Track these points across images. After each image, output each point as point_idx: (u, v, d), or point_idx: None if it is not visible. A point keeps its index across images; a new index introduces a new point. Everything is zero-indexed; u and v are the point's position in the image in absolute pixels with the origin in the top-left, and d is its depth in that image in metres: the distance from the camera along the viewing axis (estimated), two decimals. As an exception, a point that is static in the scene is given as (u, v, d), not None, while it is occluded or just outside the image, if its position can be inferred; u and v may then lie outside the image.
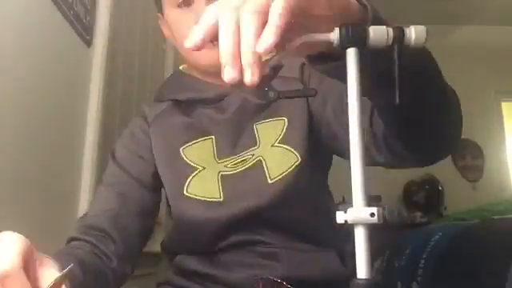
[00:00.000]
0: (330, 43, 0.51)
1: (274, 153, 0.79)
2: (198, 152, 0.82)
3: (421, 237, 2.02)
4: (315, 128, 0.81)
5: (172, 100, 0.90)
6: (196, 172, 0.80)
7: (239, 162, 0.80)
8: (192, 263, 0.82)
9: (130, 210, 0.81)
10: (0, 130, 0.92)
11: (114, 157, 0.87)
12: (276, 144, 0.80)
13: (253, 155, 0.80)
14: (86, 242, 0.76)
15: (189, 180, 0.80)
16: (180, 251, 0.85)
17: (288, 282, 0.73)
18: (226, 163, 0.81)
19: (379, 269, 2.26)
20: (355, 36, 0.60)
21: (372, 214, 0.53)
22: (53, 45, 1.14)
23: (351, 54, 0.60)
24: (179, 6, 0.83)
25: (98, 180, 1.36)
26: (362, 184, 0.56)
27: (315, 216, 0.81)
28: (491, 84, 4.08)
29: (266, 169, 0.78)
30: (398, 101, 0.60)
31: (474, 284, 1.48)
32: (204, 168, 0.81)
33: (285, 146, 0.79)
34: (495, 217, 2.02)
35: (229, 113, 0.85)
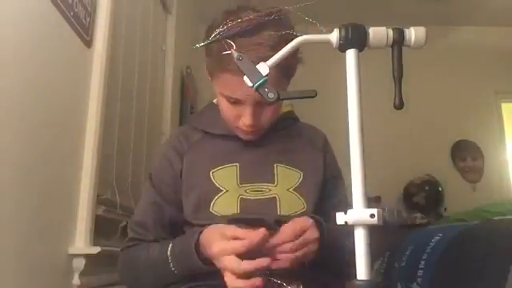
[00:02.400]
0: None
1: (288, 196, 0.97)
2: (224, 176, 0.97)
3: (421, 238, 2.02)
4: (322, 186, 1.02)
5: (207, 132, 1.04)
6: (221, 194, 0.95)
7: (257, 191, 0.96)
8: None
9: (164, 224, 0.99)
10: (0, 131, 0.92)
11: (151, 180, 1.03)
12: (291, 190, 0.98)
13: (270, 190, 0.97)
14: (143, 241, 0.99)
15: (215, 199, 0.95)
16: None
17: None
18: (245, 189, 0.96)
19: (379, 269, 2.26)
20: (355, 37, 0.60)
21: (372, 215, 0.54)
22: (53, 46, 1.14)
23: (351, 55, 0.60)
24: (229, 100, 0.95)
25: (98, 178, 1.37)
26: (362, 185, 0.56)
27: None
28: (491, 85, 4.07)
29: (278, 206, 0.95)
30: (397, 102, 0.60)
31: (474, 285, 1.48)
32: (227, 191, 0.95)
33: (297, 194, 0.97)
34: (495, 218, 2.01)
35: (254, 149, 1.01)
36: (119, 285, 1.47)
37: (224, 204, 0.94)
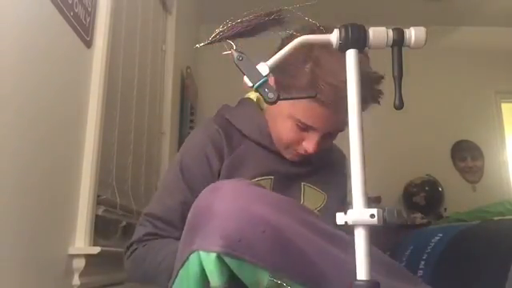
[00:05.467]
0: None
1: None
2: None
3: (421, 238, 2.02)
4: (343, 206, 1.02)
5: (244, 135, 1.00)
6: None
7: None
8: None
9: None
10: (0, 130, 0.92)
11: (182, 172, 0.95)
12: (315, 211, 0.97)
13: None
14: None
15: None
16: None
17: None
18: None
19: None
20: (355, 37, 0.60)
21: (372, 216, 0.54)
22: (53, 46, 1.14)
23: (351, 55, 0.60)
24: (297, 124, 0.92)
25: (98, 178, 1.37)
26: (362, 186, 0.56)
27: None
28: (491, 85, 4.07)
29: None
30: (397, 102, 0.60)
31: (474, 284, 1.48)
32: None
33: (319, 216, 0.95)
34: (495, 218, 2.01)
35: (287, 164, 1.00)
36: (119, 285, 1.47)
37: None
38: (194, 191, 0.91)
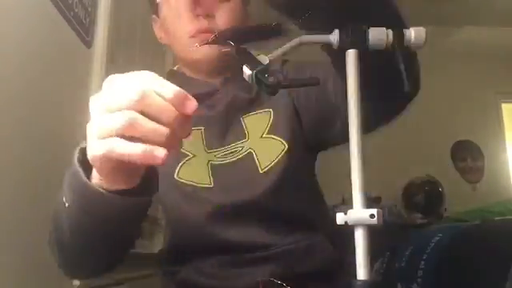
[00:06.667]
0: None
1: (263, 144, 0.83)
2: (190, 141, 0.83)
3: (421, 238, 2.02)
4: (300, 116, 0.86)
5: None
6: (187, 158, 0.83)
7: (228, 154, 0.83)
8: (195, 277, 0.82)
9: None
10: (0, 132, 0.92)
11: None
12: (264, 135, 0.84)
13: (242, 147, 0.83)
14: None
15: (180, 165, 0.82)
16: (180, 260, 0.84)
17: (289, 279, 0.75)
18: (215, 153, 0.84)
19: (379, 270, 2.26)
20: (355, 37, 0.60)
21: (372, 216, 0.53)
22: (53, 46, 1.14)
23: (351, 56, 0.60)
24: None
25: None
26: (362, 185, 0.56)
27: (304, 202, 0.84)
28: (491, 85, 4.07)
29: (256, 160, 0.82)
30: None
31: (475, 285, 1.48)
32: (194, 156, 0.83)
33: (272, 136, 0.83)
34: (495, 218, 2.01)
35: (218, 108, 0.88)
36: (119, 285, 1.47)
37: (191, 169, 0.81)
38: None
